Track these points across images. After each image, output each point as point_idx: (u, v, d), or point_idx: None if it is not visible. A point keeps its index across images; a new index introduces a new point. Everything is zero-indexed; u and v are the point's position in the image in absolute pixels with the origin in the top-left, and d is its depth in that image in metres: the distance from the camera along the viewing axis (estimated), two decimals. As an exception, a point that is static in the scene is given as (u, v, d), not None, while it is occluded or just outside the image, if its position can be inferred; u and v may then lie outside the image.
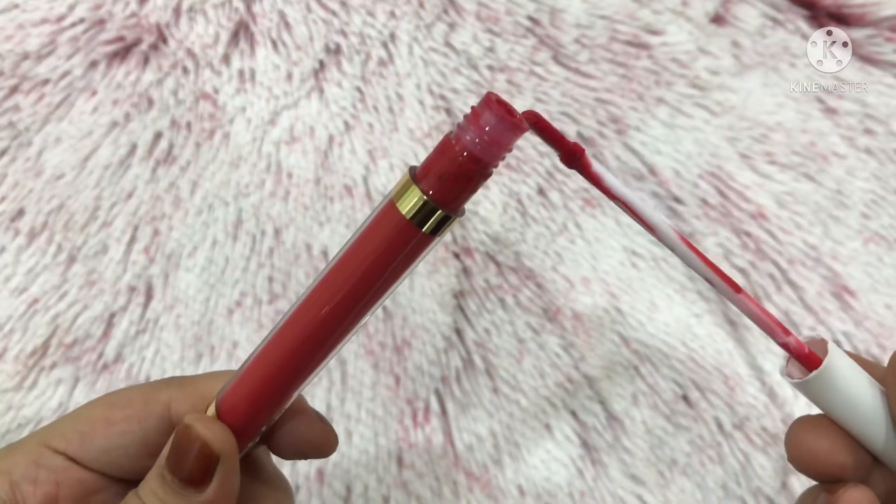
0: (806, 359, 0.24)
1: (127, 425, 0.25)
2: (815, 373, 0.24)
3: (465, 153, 0.21)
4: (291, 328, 0.24)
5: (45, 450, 0.25)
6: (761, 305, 0.24)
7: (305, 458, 0.28)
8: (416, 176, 0.22)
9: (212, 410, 0.25)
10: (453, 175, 0.21)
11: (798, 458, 0.25)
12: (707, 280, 0.24)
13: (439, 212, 0.21)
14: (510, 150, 0.22)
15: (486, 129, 0.21)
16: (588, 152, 0.23)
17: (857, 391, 0.24)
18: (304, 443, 0.27)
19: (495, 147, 0.21)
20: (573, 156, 0.23)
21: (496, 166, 0.22)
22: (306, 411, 0.27)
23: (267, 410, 0.25)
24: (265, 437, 0.27)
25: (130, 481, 0.25)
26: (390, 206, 0.22)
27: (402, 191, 0.22)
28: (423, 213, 0.21)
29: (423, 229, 0.21)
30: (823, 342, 0.25)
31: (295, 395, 0.25)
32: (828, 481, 0.25)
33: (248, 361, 0.25)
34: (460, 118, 0.22)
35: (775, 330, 0.24)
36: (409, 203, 0.21)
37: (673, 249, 0.24)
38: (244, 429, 0.25)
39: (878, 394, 0.25)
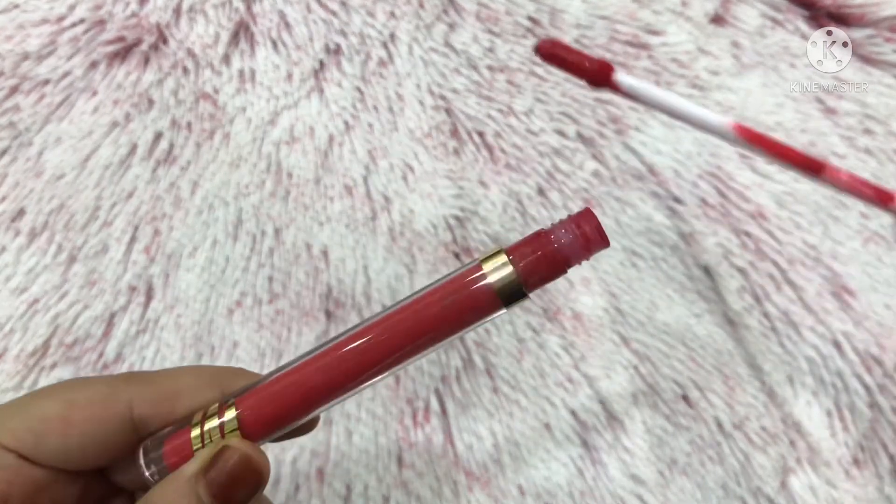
0: None
1: (86, 426, 0.24)
2: None
3: (558, 247, 0.24)
4: (342, 356, 0.24)
5: None
6: (850, 174, 0.23)
7: None
8: (507, 253, 0.24)
9: (231, 416, 0.25)
10: (543, 261, 0.24)
11: None
12: (785, 167, 0.23)
13: (521, 288, 0.24)
14: (588, 259, 0.25)
15: (585, 235, 0.24)
16: (616, 69, 0.24)
17: None
18: None
19: (584, 255, 0.24)
20: (601, 76, 0.23)
21: (570, 267, 0.24)
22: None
23: (281, 429, 0.25)
24: None
25: (85, 471, 0.25)
26: (477, 271, 0.24)
27: (493, 261, 0.24)
28: (508, 286, 0.24)
29: (503, 299, 0.24)
30: None
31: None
32: None
33: (287, 379, 0.25)
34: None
35: (874, 198, 0.23)
36: (500, 275, 0.24)
37: (738, 146, 0.24)
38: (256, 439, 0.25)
39: None
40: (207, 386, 0.26)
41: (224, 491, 0.23)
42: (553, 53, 0.23)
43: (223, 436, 0.24)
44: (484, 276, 0.24)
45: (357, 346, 0.24)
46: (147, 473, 0.24)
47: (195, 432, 0.24)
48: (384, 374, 0.24)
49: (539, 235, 0.24)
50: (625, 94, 0.23)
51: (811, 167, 0.23)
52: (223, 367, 0.28)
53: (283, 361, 0.39)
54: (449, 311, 0.24)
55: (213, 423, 0.24)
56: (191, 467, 0.23)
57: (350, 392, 0.25)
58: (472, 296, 0.24)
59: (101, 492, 0.27)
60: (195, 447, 0.24)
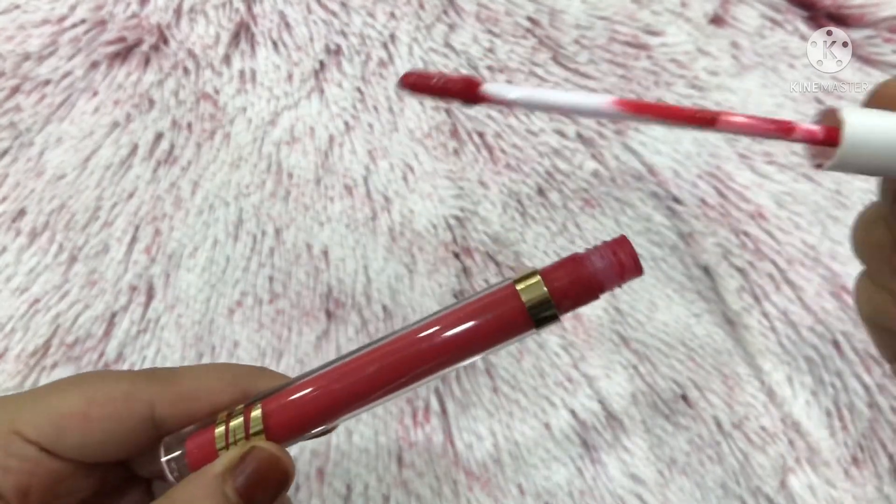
0: (824, 140, 0.22)
1: (106, 423, 0.24)
2: (840, 148, 0.21)
3: (593, 271, 0.24)
4: (370, 366, 0.24)
5: (16, 438, 0.24)
6: (746, 115, 0.22)
7: None
8: (541, 275, 0.24)
9: (257, 417, 0.25)
10: (577, 285, 0.24)
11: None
12: (680, 127, 0.23)
13: (553, 310, 0.24)
14: (620, 287, 0.24)
15: (620, 262, 0.24)
16: (484, 81, 0.23)
17: (892, 138, 0.21)
18: None
19: (617, 281, 0.24)
20: (469, 92, 0.23)
21: (603, 292, 0.24)
22: None
23: (305, 433, 0.25)
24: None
25: (104, 463, 0.25)
26: (510, 291, 0.24)
27: (526, 281, 0.24)
28: (541, 307, 0.24)
29: (535, 319, 0.24)
30: (833, 111, 0.22)
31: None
32: None
33: (314, 384, 0.25)
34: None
35: (776, 132, 0.22)
36: (533, 296, 0.24)
37: (626, 120, 0.23)
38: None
39: None
40: (230, 386, 0.26)
41: (250, 491, 0.23)
42: (417, 84, 0.22)
43: (248, 436, 0.24)
44: (517, 296, 0.24)
45: (386, 357, 0.24)
46: (168, 471, 0.25)
47: (219, 432, 0.24)
48: (411, 387, 0.25)
49: (574, 259, 0.24)
50: (498, 103, 0.23)
51: (704, 120, 0.22)
52: (247, 366, 0.28)
53: (284, 361, 0.39)
54: (480, 329, 0.24)
55: (238, 423, 0.25)
56: (218, 466, 0.23)
57: (376, 402, 0.25)
58: (504, 315, 0.24)
59: (120, 480, 0.27)
60: (219, 446, 0.24)
